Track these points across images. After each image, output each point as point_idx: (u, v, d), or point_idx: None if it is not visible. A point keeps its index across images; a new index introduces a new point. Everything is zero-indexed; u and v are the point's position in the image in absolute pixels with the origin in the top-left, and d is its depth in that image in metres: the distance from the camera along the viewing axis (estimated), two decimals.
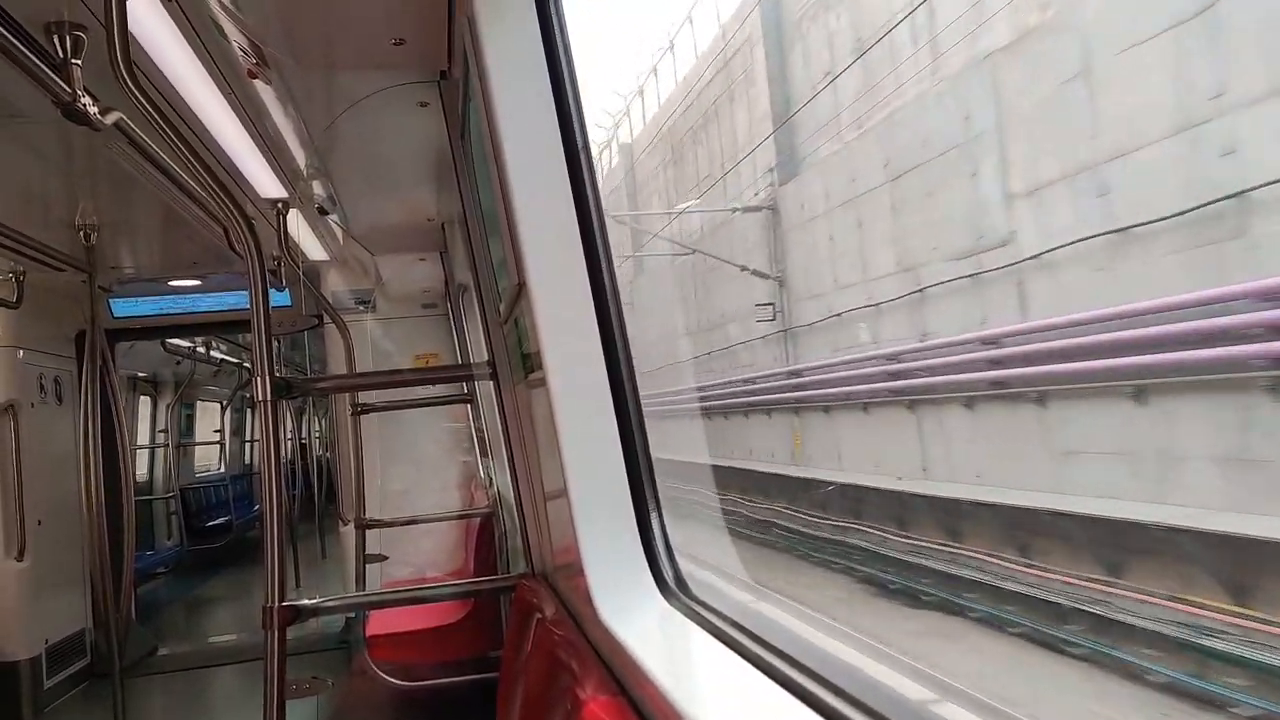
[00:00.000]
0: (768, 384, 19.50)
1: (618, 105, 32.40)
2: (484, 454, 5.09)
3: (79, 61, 2.25)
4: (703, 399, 22.37)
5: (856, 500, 14.51)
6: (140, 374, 9.78)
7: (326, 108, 3.02)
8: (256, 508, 13.55)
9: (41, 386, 5.42)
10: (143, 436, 10.27)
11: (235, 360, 11.74)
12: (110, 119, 2.36)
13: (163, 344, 9.00)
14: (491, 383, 2.96)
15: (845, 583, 12.15)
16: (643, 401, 1.75)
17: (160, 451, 10.78)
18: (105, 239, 4.40)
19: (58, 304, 5.26)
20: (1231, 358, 8.51)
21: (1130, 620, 8.18)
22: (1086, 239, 10.58)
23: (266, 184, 3.66)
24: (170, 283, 5.84)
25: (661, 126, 27.42)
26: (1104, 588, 9.03)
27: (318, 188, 3.86)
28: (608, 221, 1.89)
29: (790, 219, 19.05)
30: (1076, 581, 9.35)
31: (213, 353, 10.89)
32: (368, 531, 4.69)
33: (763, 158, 20.14)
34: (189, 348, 10.06)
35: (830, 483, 15.40)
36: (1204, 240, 8.97)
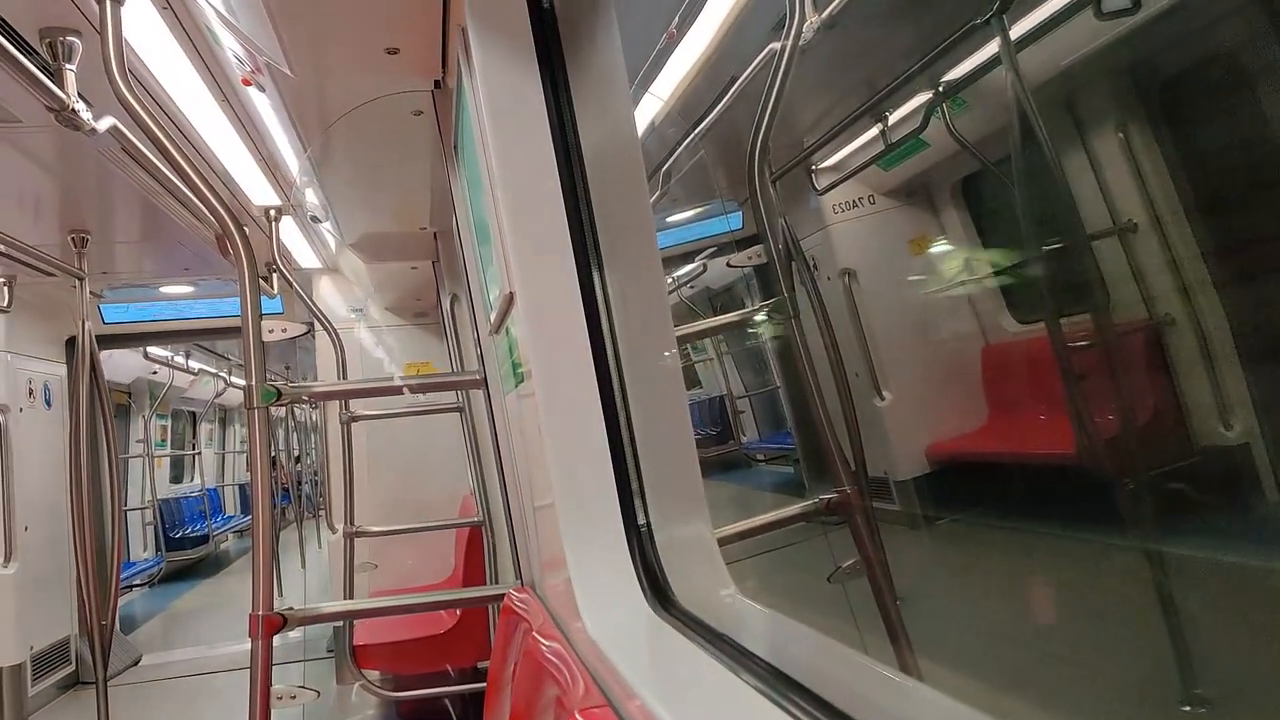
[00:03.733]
0: None
1: None
2: (475, 464, 5.08)
3: (73, 67, 2.25)
4: None
5: None
6: (121, 383, 9.73)
7: (320, 115, 3.02)
8: (232, 519, 13.51)
9: (30, 391, 5.40)
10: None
11: (212, 370, 11.70)
12: (103, 125, 2.36)
13: (144, 353, 8.97)
14: (482, 392, 2.96)
15: None
16: None
17: (136, 462, 10.73)
18: (96, 244, 4.39)
19: (48, 309, 5.25)
20: None
21: None
22: None
23: (259, 191, 3.67)
24: (161, 289, 5.82)
25: None
26: None
27: (310, 195, 3.86)
28: None
29: None
30: None
31: (190, 362, 10.85)
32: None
33: None
34: (167, 357, 10.02)
35: None
36: None
